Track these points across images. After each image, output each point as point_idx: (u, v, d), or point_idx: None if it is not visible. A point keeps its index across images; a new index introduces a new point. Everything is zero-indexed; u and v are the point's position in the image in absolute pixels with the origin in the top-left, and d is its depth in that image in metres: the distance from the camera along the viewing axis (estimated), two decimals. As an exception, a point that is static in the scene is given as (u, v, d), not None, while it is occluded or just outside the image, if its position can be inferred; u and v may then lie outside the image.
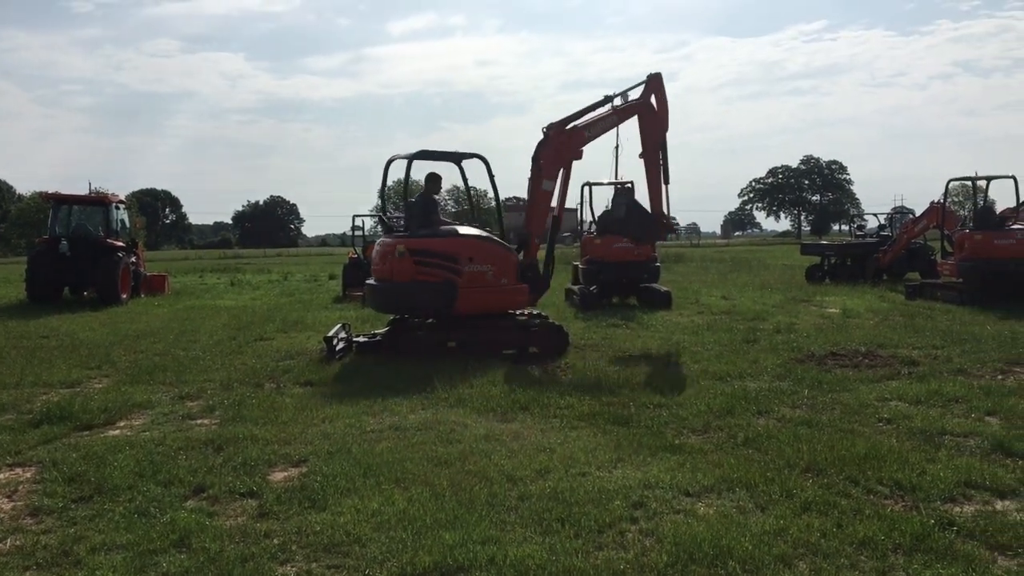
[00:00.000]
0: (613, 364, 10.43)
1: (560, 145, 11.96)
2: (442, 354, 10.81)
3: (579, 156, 12.25)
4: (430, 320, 11.56)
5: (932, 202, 23.77)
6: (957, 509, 5.17)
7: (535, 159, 11.86)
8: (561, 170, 12.12)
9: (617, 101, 12.60)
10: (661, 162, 12.81)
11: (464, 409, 7.95)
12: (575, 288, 19.04)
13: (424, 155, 11.62)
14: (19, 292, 22.70)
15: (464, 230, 11.44)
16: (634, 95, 12.79)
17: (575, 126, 12.17)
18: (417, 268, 10.80)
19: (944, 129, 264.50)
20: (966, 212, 29.22)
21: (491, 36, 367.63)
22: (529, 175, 11.97)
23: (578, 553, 4.50)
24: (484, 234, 11.44)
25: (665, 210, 12.97)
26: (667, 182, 12.86)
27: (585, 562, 4.39)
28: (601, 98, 12.51)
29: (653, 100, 12.81)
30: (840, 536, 4.69)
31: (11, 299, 22.64)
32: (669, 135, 12.89)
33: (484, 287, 11.12)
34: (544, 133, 11.86)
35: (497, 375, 9.53)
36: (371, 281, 11.66)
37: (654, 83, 12.78)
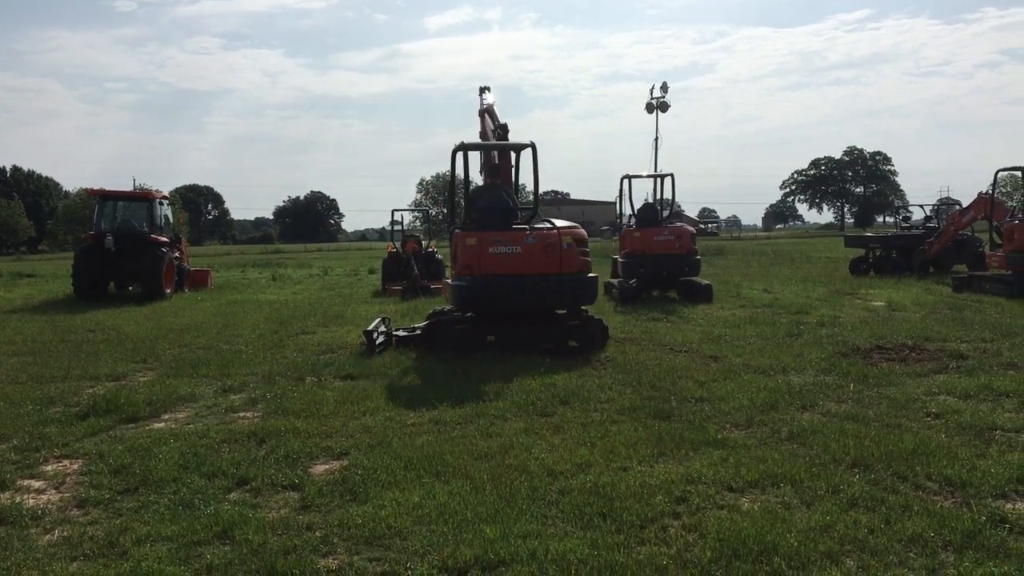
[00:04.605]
0: (653, 358, 10.35)
1: None
2: (481, 348, 10.80)
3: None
4: (468, 314, 11.56)
5: (980, 193, 23.29)
6: (1009, 506, 5.05)
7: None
8: None
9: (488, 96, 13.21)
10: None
11: (504, 403, 7.93)
12: (614, 281, 18.95)
13: (495, 146, 11.65)
14: (66, 287, 23.15)
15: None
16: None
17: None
18: (582, 259, 11.09)
19: (991, 118, 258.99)
20: (1015, 203, 28.60)
21: (527, 30, 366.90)
22: (503, 170, 11.98)
23: (620, 548, 4.46)
24: None
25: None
26: None
27: (627, 557, 4.34)
28: (482, 110, 13.20)
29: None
30: (888, 533, 4.60)
31: (58, 294, 23.09)
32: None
33: None
34: (505, 129, 12.03)
35: (536, 369, 9.50)
36: (499, 274, 10.92)
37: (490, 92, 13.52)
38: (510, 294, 10.94)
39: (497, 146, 11.96)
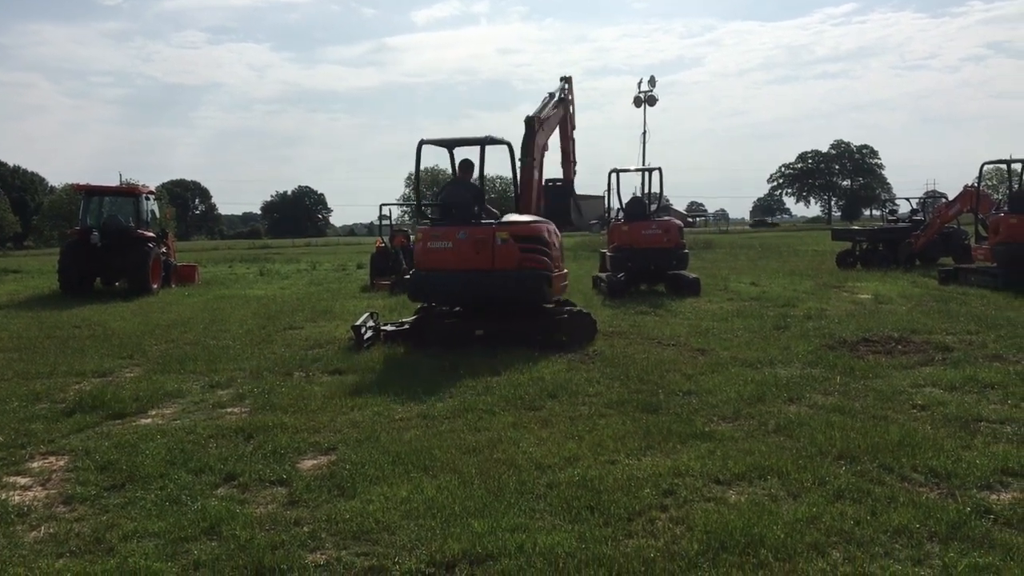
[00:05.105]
0: (641, 351, 10.36)
1: (543, 135, 12.13)
2: (470, 342, 10.80)
3: (547, 147, 12.63)
4: (457, 308, 11.55)
5: (966, 186, 23.44)
6: (994, 496, 5.09)
7: (528, 149, 11.90)
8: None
9: (558, 95, 13.04)
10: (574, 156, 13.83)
11: (492, 397, 7.93)
12: (603, 275, 18.96)
13: (488, 140, 11.61)
14: (52, 283, 22.99)
15: (539, 217, 11.67)
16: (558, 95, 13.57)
17: (540, 117, 12.45)
18: (524, 255, 10.86)
19: (977, 112, 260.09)
20: (1001, 196, 28.75)
21: (515, 23, 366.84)
22: (520, 165, 11.97)
23: (607, 541, 4.47)
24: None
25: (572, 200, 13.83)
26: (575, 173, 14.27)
27: (615, 550, 4.35)
28: (547, 95, 13.13)
29: (571, 100, 13.76)
30: (874, 524, 4.62)
31: (44, 290, 22.94)
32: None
33: (558, 272, 11.39)
34: (529, 124, 11.93)
35: (525, 363, 9.50)
36: (420, 271, 11.25)
37: (570, 85, 13.79)
38: (444, 289, 11.12)
39: (454, 142, 11.87)
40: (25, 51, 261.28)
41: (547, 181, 13.51)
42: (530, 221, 11.41)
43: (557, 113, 12.95)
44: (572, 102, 13.69)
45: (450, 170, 12.17)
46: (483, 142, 11.36)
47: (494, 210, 11.89)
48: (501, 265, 10.73)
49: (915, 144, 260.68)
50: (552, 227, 11.54)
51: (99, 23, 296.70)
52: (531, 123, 11.98)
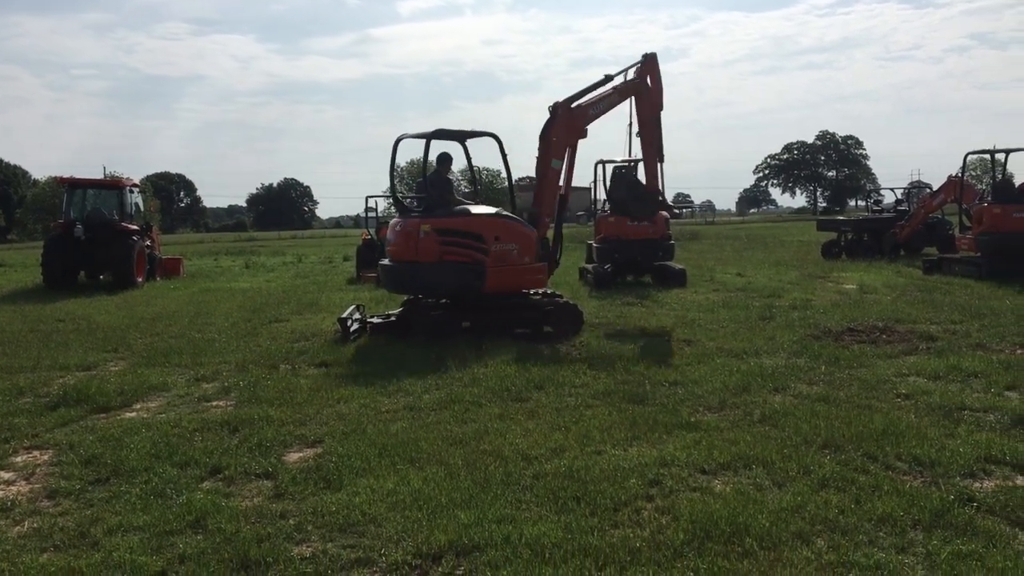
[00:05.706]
0: (628, 342, 10.38)
1: (567, 123, 11.93)
2: (456, 334, 10.77)
3: (584, 135, 12.20)
4: (444, 300, 11.54)
5: (950, 176, 23.55)
6: (977, 484, 5.12)
7: (544, 137, 11.79)
8: (567, 149, 12.04)
9: (618, 80, 12.55)
10: (654, 140, 12.87)
11: (478, 389, 7.92)
12: (589, 267, 18.98)
13: (437, 134, 11.56)
14: (35, 276, 22.86)
15: (486, 209, 11.54)
16: (631, 75, 12.77)
17: (579, 104, 12.10)
18: (444, 248, 10.79)
19: (961, 102, 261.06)
20: (984, 186, 28.91)
21: (500, 14, 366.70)
22: (537, 154, 11.89)
23: (594, 531, 4.48)
24: (507, 213, 11.50)
25: (660, 187, 13.06)
26: (661, 160, 12.95)
27: (601, 540, 4.36)
28: (602, 77, 12.45)
29: (648, 80, 12.84)
30: (859, 512, 4.65)
31: (27, 283, 22.79)
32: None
33: (509, 266, 11.15)
34: (551, 111, 11.78)
35: (511, 355, 9.50)
36: (386, 261, 11.61)
37: (650, 63, 12.81)
38: (390, 279, 11.63)
39: (429, 135, 11.84)
40: (6, 43, 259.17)
41: (618, 167, 13.30)
42: (460, 214, 11.30)
43: (610, 98, 12.28)
44: (651, 83, 12.84)
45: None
46: (430, 136, 11.38)
47: (465, 202, 11.92)
48: (424, 257, 10.80)
49: (899, 135, 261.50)
50: (505, 222, 11.26)
51: (80, 14, 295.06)
52: (553, 110, 11.78)
